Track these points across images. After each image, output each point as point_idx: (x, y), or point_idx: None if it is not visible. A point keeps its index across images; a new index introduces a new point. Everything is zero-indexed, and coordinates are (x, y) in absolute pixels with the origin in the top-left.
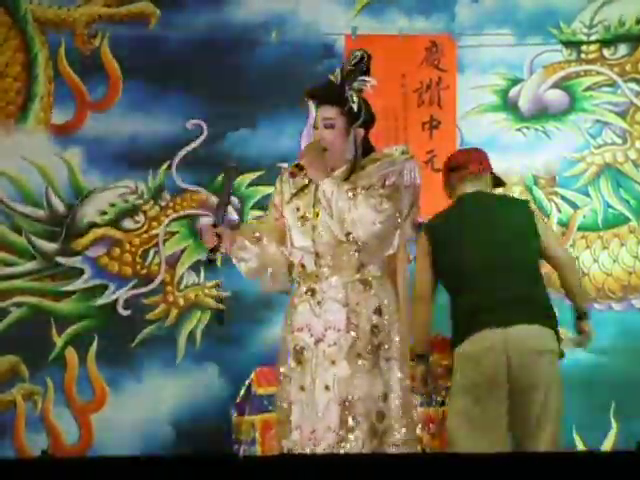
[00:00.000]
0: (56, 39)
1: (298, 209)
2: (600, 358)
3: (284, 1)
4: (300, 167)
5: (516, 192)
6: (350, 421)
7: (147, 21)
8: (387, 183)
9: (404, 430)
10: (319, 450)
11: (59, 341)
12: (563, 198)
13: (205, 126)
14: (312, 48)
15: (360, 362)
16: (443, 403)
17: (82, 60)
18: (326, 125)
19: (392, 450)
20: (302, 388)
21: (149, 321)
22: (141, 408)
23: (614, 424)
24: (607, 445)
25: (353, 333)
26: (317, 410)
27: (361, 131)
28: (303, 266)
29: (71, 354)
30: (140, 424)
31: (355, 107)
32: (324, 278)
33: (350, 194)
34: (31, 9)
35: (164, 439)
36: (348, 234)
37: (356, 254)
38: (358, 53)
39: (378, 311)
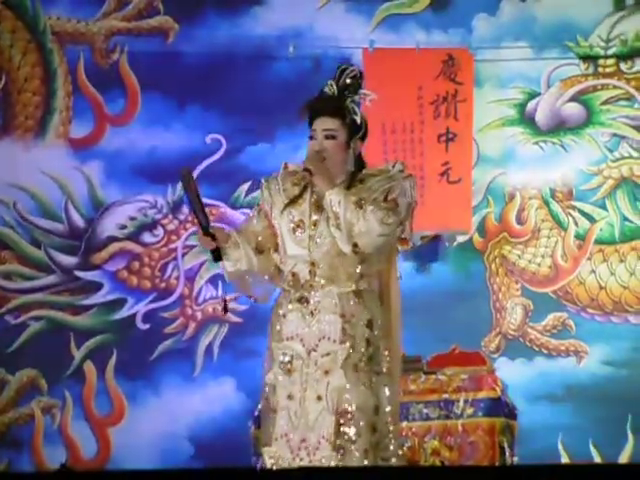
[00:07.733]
0: (75, 53)
1: (293, 218)
2: (617, 371)
3: (302, 15)
4: (309, 172)
5: (533, 206)
6: (350, 432)
7: (166, 35)
8: (389, 198)
9: (392, 445)
10: (315, 460)
11: (78, 355)
12: (580, 211)
13: (224, 140)
14: (330, 62)
15: (355, 373)
16: (461, 416)
17: (101, 74)
18: (327, 136)
19: (380, 464)
20: (290, 397)
21: (167, 335)
22: (159, 421)
23: (631, 437)
24: (624, 458)
25: (348, 344)
26: (308, 420)
27: (359, 144)
28: (294, 274)
29: (90, 368)
30: (158, 437)
31: (358, 120)
32: (319, 287)
33: (357, 206)
34: (50, 23)
35: (182, 452)
36: (355, 245)
37: (356, 265)
38: (354, 68)
39: (370, 324)
